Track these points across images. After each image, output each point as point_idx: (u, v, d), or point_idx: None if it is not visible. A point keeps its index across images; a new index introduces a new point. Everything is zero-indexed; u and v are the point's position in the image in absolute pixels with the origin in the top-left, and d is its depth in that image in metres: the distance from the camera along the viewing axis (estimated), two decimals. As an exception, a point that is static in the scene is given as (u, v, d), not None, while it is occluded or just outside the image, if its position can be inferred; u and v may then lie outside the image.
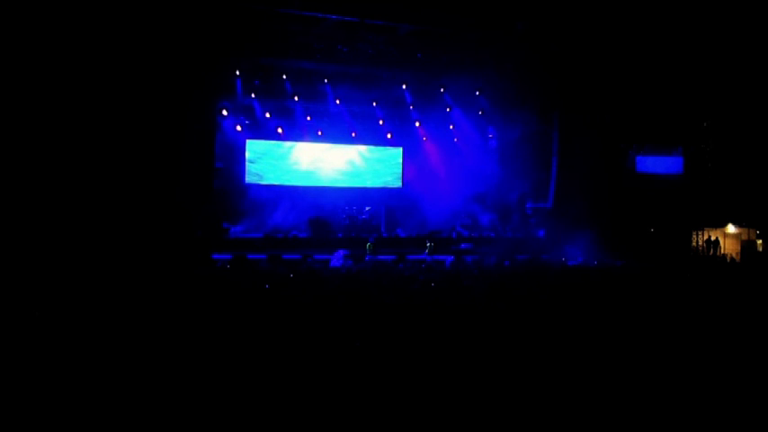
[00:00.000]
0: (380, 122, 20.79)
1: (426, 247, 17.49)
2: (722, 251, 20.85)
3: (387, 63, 18.53)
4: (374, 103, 20.15)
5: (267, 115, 19.48)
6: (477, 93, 20.21)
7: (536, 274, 12.22)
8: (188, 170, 15.57)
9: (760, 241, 20.75)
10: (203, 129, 16.54)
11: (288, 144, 20.31)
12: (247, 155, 19.69)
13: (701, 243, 21.14)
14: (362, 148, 21.12)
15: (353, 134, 20.69)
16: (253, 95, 18.84)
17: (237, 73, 17.89)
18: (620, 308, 8.12)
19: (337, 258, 14.96)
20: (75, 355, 5.46)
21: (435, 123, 21.30)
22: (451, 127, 21.41)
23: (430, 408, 4.57)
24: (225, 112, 18.35)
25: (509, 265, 14.12)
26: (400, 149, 21.46)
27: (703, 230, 21.24)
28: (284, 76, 18.51)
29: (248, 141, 19.72)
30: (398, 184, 21.44)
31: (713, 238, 20.96)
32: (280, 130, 19.77)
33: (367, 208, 20.72)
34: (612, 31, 17.69)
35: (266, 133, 19.82)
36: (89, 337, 6.05)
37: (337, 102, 19.59)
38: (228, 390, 4.75)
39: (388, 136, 21.02)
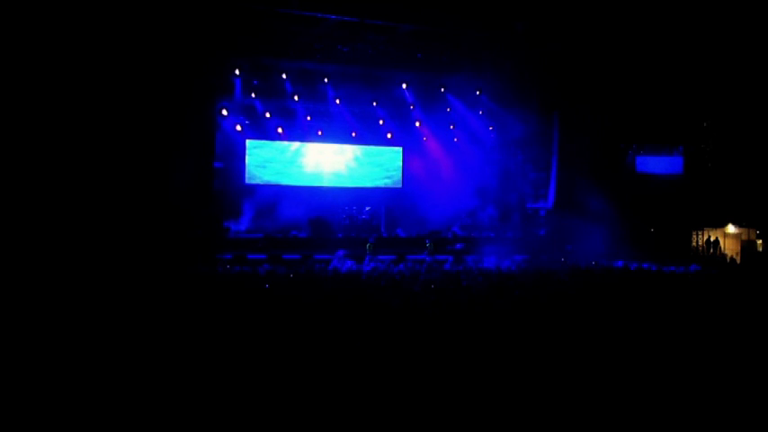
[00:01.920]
0: (381, 122, 20.79)
1: (426, 247, 17.49)
2: (722, 251, 20.84)
3: (387, 63, 18.52)
4: (374, 103, 20.14)
5: (267, 115, 19.47)
6: (478, 93, 20.21)
7: (535, 274, 12.22)
8: (188, 170, 15.58)
9: (760, 241, 20.73)
10: (203, 129, 16.54)
11: (293, 148, 20.31)
12: (249, 159, 19.69)
13: (701, 243, 21.14)
14: (362, 148, 21.12)
15: (354, 134, 20.68)
16: (253, 95, 18.82)
17: (237, 73, 17.87)
18: (620, 308, 8.12)
19: (338, 258, 14.98)
20: (76, 355, 5.46)
21: (436, 123, 21.29)
22: (452, 127, 21.41)
23: (431, 408, 4.57)
24: (225, 112, 18.33)
25: (508, 266, 14.12)
26: (400, 149, 21.46)
27: (703, 230, 21.23)
28: (284, 76, 18.50)
29: (249, 142, 19.71)
30: (398, 184, 21.43)
31: (713, 238, 20.96)
32: (280, 130, 19.76)
33: (367, 208, 20.72)
34: (612, 30, 17.68)
35: (266, 133, 19.81)
36: (90, 336, 6.05)
37: (337, 102, 19.58)
38: (228, 390, 4.75)
39: (389, 136, 21.01)
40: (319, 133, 20.31)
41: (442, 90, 20.24)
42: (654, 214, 20.18)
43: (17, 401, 4.51)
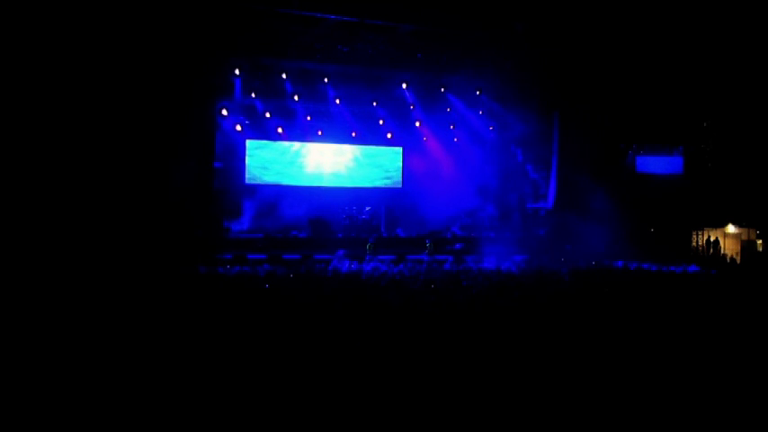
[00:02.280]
0: (381, 122, 20.80)
1: (426, 247, 17.50)
2: (722, 251, 20.84)
3: (387, 63, 18.51)
4: (374, 103, 20.15)
5: (267, 115, 19.48)
6: (478, 92, 20.20)
7: (535, 274, 12.22)
8: (188, 170, 15.58)
9: (760, 241, 20.73)
10: (203, 129, 16.55)
11: (293, 148, 20.33)
12: (249, 159, 19.71)
13: (701, 243, 21.14)
14: (362, 148, 21.12)
15: (354, 134, 20.69)
16: (253, 95, 18.82)
17: (237, 73, 17.88)
18: (620, 309, 8.12)
19: (338, 258, 14.98)
20: (76, 356, 5.46)
21: (436, 123, 21.30)
22: (452, 127, 21.41)
23: (431, 407, 4.57)
24: (225, 112, 18.33)
25: (508, 266, 14.13)
26: (400, 149, 21.48)
27: (703, 230, 21.23)
28: (284, 76, 18.50)
29: (249, 142, 19.73)
30: (398, 184, 21.45)
31: (713, 239, 20.96)
32: (280, 130, 19.77)
33: (367, 208, 20.72)
34: (613, 31, 17.68)
35: (266, 133, 19.82)
36: (90, 337, 6.05)
37: (337, 102, 19.58)
38: (228, 390, 4.75)
39: (389, 136, 21.02)
40: (319, 133, 20.31)
41: (442, 90, 20.24)
42: (654, 214, 20.17)
43: (17, 402, 4.51)
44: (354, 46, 17.74)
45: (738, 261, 19.98)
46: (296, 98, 19.13)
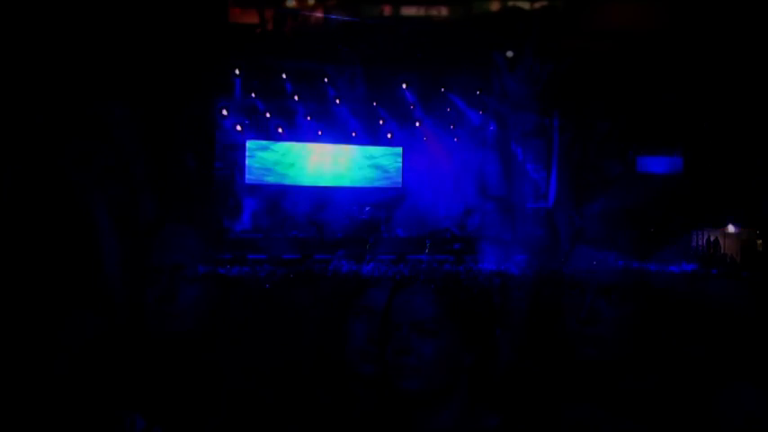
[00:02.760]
0: (381, 122, 20.83)
1: (426, 247, 17.52)
2: (722, 251, 20.85)
3: (387, 63, 18.56)
4: (374, 103, 20.19)
5: (267, 115, 19.55)
6: (478, 92, 20.23)
7: (535, 275, 12.22)
8: (187, 170, 15.60)
9: (760, 241, 20.74)
10: (203, 129, 16.53)
11: (293, 148, 20.39)
12: (249, 159, 19.77)
13: (701, 243, 21.14)
14: (362, 148, 21.15)
15: (354, 134, 20.72)
16: (253, 95, 18.87)
17: (237, 72, 17.92)
18: (619, 309, 8.12)
19: (338, 258, 15.00)
20: (75, 356, 5.46)
21: (436, 123, 21.36)
22: (452, 127, 21.45)
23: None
24: (225, 112, 18.38)
25: (508, 266, 14.14)
26: (400, 149, 21.53)
27: (703, 230, 21.23)
28: (284, 76, 18.54)
29: (249, 142, 19.79)
30: (398, 184, 21.50)
31: (713, 239, 20.97)
32: (280, 130, 19.82)
33: (367, 208, 20.76)
34: (612, 30, 17.68)
35: (266, 133, 19.89)
36: (87, 336, 6.06)
37: (337, 102, 19.62)
38: (227, 390, 4.75)
39: (389, 136, 21.06)
40: (319, 133, 20.36)
41: (443, 90, 20.29)
42: (654, 214, 20.10)
43: (16, 403, 4.51)
44: (354, 46, 17.76)
45: (738, 261, 19.98)
46: (296, 98, 19.18)
